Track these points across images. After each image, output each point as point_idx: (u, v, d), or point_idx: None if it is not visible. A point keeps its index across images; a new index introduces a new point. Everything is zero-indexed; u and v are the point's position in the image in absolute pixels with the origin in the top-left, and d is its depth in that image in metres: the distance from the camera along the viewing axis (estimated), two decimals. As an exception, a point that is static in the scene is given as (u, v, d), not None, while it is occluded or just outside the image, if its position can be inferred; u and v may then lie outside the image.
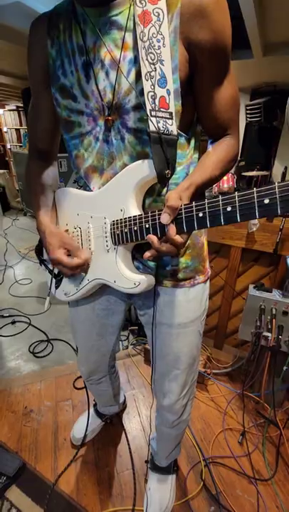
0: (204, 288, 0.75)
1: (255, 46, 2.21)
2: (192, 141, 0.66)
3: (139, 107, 0.54)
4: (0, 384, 1.56)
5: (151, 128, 0.52)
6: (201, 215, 0.47)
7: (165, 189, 0.61)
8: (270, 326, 1.24)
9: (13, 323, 2.11)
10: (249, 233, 1.42)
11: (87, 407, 1.15)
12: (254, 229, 1.38)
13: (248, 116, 3.16)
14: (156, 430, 1.04)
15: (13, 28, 1.94)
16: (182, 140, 0.61)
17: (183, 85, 0.55)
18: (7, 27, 1.96)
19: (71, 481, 1.13)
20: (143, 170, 0.56)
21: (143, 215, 0.56)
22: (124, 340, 1.91)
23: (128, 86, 0.54)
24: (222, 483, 1.12)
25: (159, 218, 0.52)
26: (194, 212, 0.47)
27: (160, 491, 1.05)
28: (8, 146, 5.75)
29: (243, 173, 2.98)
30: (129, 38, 0.53)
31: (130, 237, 0.59)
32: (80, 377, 1.48)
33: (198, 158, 0.67)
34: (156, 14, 0.50)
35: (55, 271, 0.80)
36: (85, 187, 0.70)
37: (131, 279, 0.62)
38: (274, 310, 1.24)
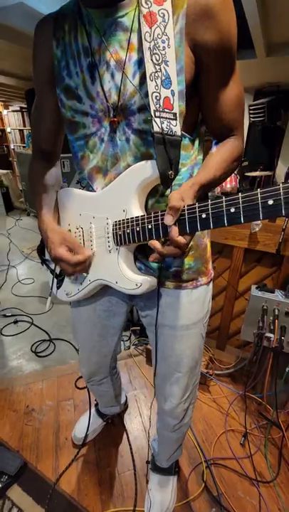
0: (207, 290, 0.75)
1: (259, 46, 2.21)
2: (196, 142, 0.65)
3: (144, 108, 0.54)
4: (2, 383, 1.57)
5: (155, 129, 0.52)
6: (204, 216, 0.46)
7: (168, 190, 0.61)
8: (272, 327, 1.23)
9: (16, 322, 2.12)
10: (252, 233, 1.41)
11: (89, 407, 1.15)
12: (257, 229, 1.37)
13: (252, 116, 3.15)
14: (157, 433, 1.04)
15: (16, 29, 1.95)
16: (186, 141, 0.61)
17: (188, 86, 0.55)
18: (10, 28, 1.96)
19: (72, 480, 1.13)
20: (146, 170, 0.56)
21: (146, 216, 0.56)
22: (126, 340, 1.91)
23: (133, 88, 0.54)
24: (224, 485, 1.12)
25: (161, 219, 0.52)
26: (197, 213, 0.47)
27: (161, 492, 1.05)
28: (12, 147, 5.78)
29: (246, 174, 2.97)
30: (134, 40, 0.53)
31: (132, 237, 0.59)
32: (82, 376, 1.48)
33: (203, 160, 0.67)
34: (162, 15, 0.50)
35: (57, 271, 0.80)
36: (88, 187, 0.70)
37: (133, 280, 0.62)
38: (276, 311, 1.23)
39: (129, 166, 0.60)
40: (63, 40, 0.60)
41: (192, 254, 0.69)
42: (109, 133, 0.60)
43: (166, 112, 0.53)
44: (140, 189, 0.59)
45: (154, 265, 0.67)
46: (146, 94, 0.52)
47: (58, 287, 0.80)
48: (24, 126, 5.57)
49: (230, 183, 1.86)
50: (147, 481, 1.11)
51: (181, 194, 0.52)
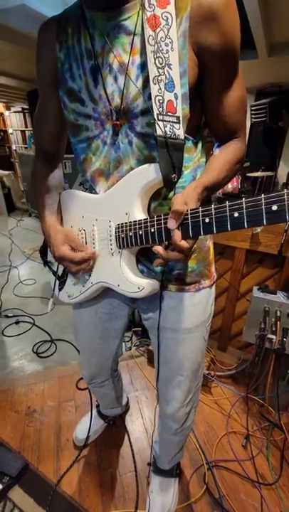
0: (210, 293, 0.75)
1: (260, 47, 2.20)
2: (199, 145, 0.66)
3: (147, 111, 0.54)
4: (3, 384, 1.57)
5: (158, 132, 0.52)
6: (207, 220, 0.46)
7: (172, 193, 0.61)
8: (274, 329, 1.23)
9: (17, 323, 2.12)
10: (253, 234, 1.41)
11: (90, 409, 1.15)
12: (258, 230, 1.37)
13: (253, 116, 3.14)
14: (158, 436, 1.04)
15: (18, 31, 1.95)
16: (189, 144, 0.61)
17: (191, 89, 0.55)
18: (12, 29, 1.97)
19: (73, 482, 1.13)
20: (149, 174, 0.56)
21: (148, 219, 0.56)
22: (128, 341, 1.91)
23: (136, 91, 0.54)
24: (225, 487, 1.12)
25: (164, 223, 0.52)
26: (200, 218, 0.47)
27: (162, 494, 1.05)
28: (14, 148, 5.79)
29: (248, 174, 2.96)
30: (137, 43, 0.53)
31: (135, 241, 0.59)
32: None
33: (206, 162, 0.67)
34: (165, 18, 0.50)
35: (59, 272, 0.80)
36: (91, 190, 0.70)
37: (135, 283, 0.62)
38: (278, 312, 1.23)
39: (131, 169, 0.60)
40: (66, 43, 0.60)
41: (195, 257, 0.69)
42: (111, 136, 0.60)
43: (170, 116, 0.53)
44: (143, 192, 0.59)
45: (157, 268, 0.67)
46: (150, 98, 0.52)
47: (60, 289, 0.80)
48: (26, 127, 5.58)
49: (231, 184, 1.85)
50: (148, 483, 1.11)
51: (185, 198, 0.52)
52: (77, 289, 0.75)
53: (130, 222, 0.59)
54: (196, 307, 0.72)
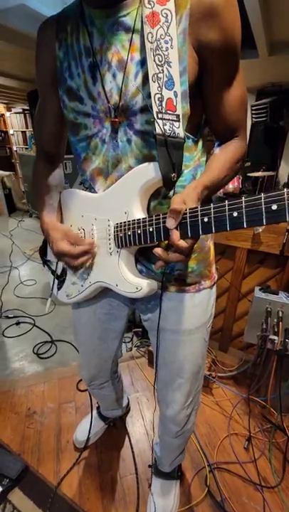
0: (210, 293, 0.74)
1: (261, 45, 2.19)
2: (200, 144, 0.65)
3: (146, 109, 0.54)
4: (4, 385, 1.56)
5: (158, 130, 0.51)
6: (206, 219, 0.45)
7: (171, 192, 0.60)
8: (276, 329, 1.22)
9: (18, 324, 2.12)
10: (255, 234, 1.40)
11: (90, 410, 1.14)
12: (260, 230, 1.36)
13: (254, 116, 3.13)
14: (159, 438, 1.02)
15: (18, 31, 1.95)
16: (189, 142, 0.60)
17: (191, 87, 0.54)
18: (11, 29, 1.96)
19: (74, 484, 1.12)
20: (148, 173, 0.55)
21: (147, 219, 0.55)
22: (128, 342, 1.90)
23: (135, 88, 0.54)
24: (227, 490, 1.10)
25: (163, 222, 0.51)
26: (199, 217, 0.46)
27: (164, 496, 1.04)
28: (15, 149, 5.80)
29: (249, 174, 2.95)
30: (136, 40, 0.52)
31: (134, 240, 0.58)
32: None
33: (206, 162, 0.66)
34: (165, 15, 0.49)
35: (58, 271, 0.79)
36: (91, 189, 0.70)
37: (133, 283, 0.61)
38: (280, 313, 1.22)
39: (130, 167, 0.59)
40: (65, 42, 0.60)
41: (195, 257, 0.68)
42: (110, 134, 0.60)
43: (169, 114, 0.52)
44: (142, 191, 0.58)
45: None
46: (149, 95, 0.52)
47: (59, 288, 0.79)
48: (26, 128, 5.59)
49: (232, 184, 1.84)
50: (149, 486, 1.10)
51: (184, 197, 0.51)
52: (75, 288, 0.75)
53: (129, 221, 0.59)
54: (196, 308, 0.71)
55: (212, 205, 0.44)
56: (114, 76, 0.55)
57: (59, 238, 0.67)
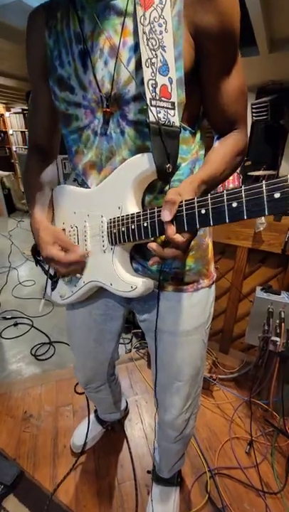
0: (209, 293, 0.70)
1: (261, 42, 2.16)
2: (198, 136, 0.62)
3: (140, 97, 0.51)
4: (1, 387, 1.53)
5: (151, 118, 0.48)
6: (203, 211, 0.42)
7: (168, 186, 0.57)
8: (278, 331, 1.18)
9: (16, 325, 2.10)
10: (256, 233, 1.36)
11: (88, 414, 1.11)
12: (261, 228, 1.32)
13: (254, 115, 3.10)
14: (157, 443, 0.99)
15: (15, 28, 1.92)
16: (186, 134, 0.58)
17: (188, 74, 0.51)
18: (9, 26, 1.94)
19: (70, 490, 1.08)
20: (141, 164, 0.52)
21: (141, 213, 0.52)
22: (128, 343, 1.86)
23: (128, 75, 0.51)
24: (228, 496, 1.07)
25: (158, 216, 0.48)
26: (196, 209, 0.43)
27: (163, 503, 1.00)
28: (14, 149, 5.78)
29: (249, 173, 2.92)
30: (129, 24, 0.49)
31: (128, 236, 0.55)
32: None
33: (204, 156, 0.63)
34: None
35: (51, 271, 0.76)
36: (83, 184, 0.67)
37: (128, 281, 0.58)
38: (283, 313, 1.18)
39: (124, 160, 0.56)
40: (55, 29, 0.57)
41: (193, 255, 0.65)
42: (102, 125, 0.57)
43: (164, 101, 0.49)
44: (136, 184, 0.55)
45: (153, 267, 0.63)
46: (142, 82, 0.49)
47: (53, 289, 0.76)
48: (26, 128, 5.57)
49: (232, 183, 1.81)
50: (148, 492, 1.07)
51: (179, 190, 0.48)
52: (69, 289, 0.71)
53: (122, 216, 0.56)
54: (194, 308, 0.68)
55: (209, 196, 0.41)
56: (105, 63, 0.53)
57: (49, 242, 0.64)
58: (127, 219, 0.54)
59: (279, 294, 1.22)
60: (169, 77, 0.49)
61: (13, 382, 1.58)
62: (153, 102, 0.49)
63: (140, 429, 1.31)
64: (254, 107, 3.07)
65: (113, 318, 0.78)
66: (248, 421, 1.31)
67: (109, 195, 0.59)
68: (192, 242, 0.63)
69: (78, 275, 0.68)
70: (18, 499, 1.05)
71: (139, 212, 0.52)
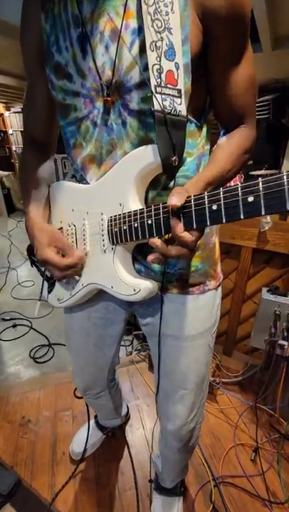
0: (215, 295, 0.66)
1: (265, 39, 2.11)
2: (204, 130, 0.58)
3: (143, 84, 0.47)
4: (-2, 391, 1.49)
5: (156, 106, 0.44)
6: (214, 207, 0.38)
7: (172, 182, 0.53)
8: (286, 334, 1.14)
9: (14, 326, 2.06)
10: (261, 232, 1.32)
11: (87, 420, 1.07)
12: (266, 228, 1.28)
13: (256, 113, 3.06)
14: (159, 452, 0.95)
15: (14, 24, 1.88)
16: (192, 127, 0.54)
17: (194, 60, 0.47)
18: (7, 23, 1.90)
19: (69, 500, 1.04)
20: (145, 156, 0.48)
21: (145, 210, 0.48)
22: (128, 345, 1.82)
23: (130, 60, 0.47)
24: (233, 507, 1.03)
25: (164, 213, 0.44)
26: (206, 205, 0.39)
27: (165, 514, 0.96)
28: (14, 149, 5.73)
29: (251, 173, 2.87)
30: (132, 4, 0.45)
31: (130, 235, 0.51)
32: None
33: (210, 150, 0.59)
34: None
35: (48, 273, 0.72)
36: (82, 180, 0.63)
37: (130, 284, 0.54)
38: (290, 316, 1.14)
39: (126, 154, 0.52)
40: (52, 12, 0.53)
41: (199, 255, 0.61)
42: (102, 115, 0.53)
43: (170, 88, 0.45)
44: (139, 179, 0.51)
45: (157, 267, 0.59)
46: (146, 67, 0.45)
47: (49, 291, 0.72)
48: (26, 125, 5.52)
49: (234, 182, 1.77)
50: (150, 502, 1.03)
51: (185, 188, 0.44)
52: (67, 291, 0.67)
53: (124, 213, 0.51)
54: (200, 311, 0.64)
55: (221, 190, 0.37)
56: (106, 48, 0.49)
57: (45, 243, 0.61)
58: (129, 216, 0.50)
59: (286, 296, 1.18)
60: (176, 62, 0.45)
61: (11, 386, 1.54)
62: (158, 89, 0.45)
63: (141, 435, 1.27)
64: (256, 105, 3.03)
65: (114, 322, 0.74)
66: (253, 426, 1.27)
67: (110, 191, 0.55)
68: (198, 241, 0.59)
69: (77, 277, 0.64)
70: (15, 509, 1.01)
71: (143, 209, 0.48)
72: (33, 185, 0.68)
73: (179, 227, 0.41)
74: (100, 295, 0.67)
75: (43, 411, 1.38)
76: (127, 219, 0.51)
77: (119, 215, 0.52)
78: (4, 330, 2.01)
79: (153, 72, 0.44)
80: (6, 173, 4.92)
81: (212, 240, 0.64)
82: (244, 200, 0.35)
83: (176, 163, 0.46)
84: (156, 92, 0.45)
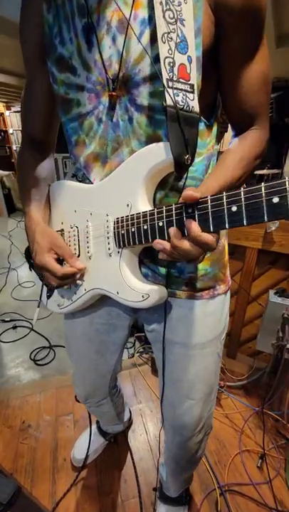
0: (224, 300, 0.63)
1: (269, 36, 2.06)
2: (214, 129, 0.55)
3: (153, 78, 0.44)
4: (-2, 395, 1.46)
5: (168, 102, 0.41)
6: (234, 208, 0.35)
7: (181, 182, 0.50)
8: (293, 338, 1.11)
9: (15, 328, 2.03)
10: (267, 233, 1.29)
11: (89, 426, 1.04)
12: (273, 228, 1.25)
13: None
14: (164, 462, 0.91)
15: (15, 22, 1.85)
16: (202, 126, 0.51)
17: (205, 54, 0.44)
18: (8, 21, 1.87)
19: (70, 508, 1.01)
20: (157, 154, 0.45)
21: (155, 211, 0.44)
22: (130, 347, 1.79)
23: (139, 52, 0.44)
24: (240, 516, 1.00)
25: (176, 214, 0.41)
26: (225, 206, 0.36)
27: (170, 525, 0.93)
28: (14, 148, 5.71)
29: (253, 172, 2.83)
30: None
31: (138, 238, 0.48)
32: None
33: (218, 151, 0.57)
34: None
35: None
36: (85, 180, 0.59)
37: (138, 290, 0.50)
38: (298, 319, 1.11)
39: (133, 151, 0.49)
40: (55, 2, 0.50)
41: (209, 258, 0.58)
42: (107, 111, 0.50)
43: (182, 83, 0.43)
44: (149, 178, 0.47)
45: (163, 271, 0.56)
46: (156, 60, 0.42)
47: (49, 296, 0.69)
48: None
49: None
50: (154, 510, 1.00)
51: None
52: (68, 297, 0.64)
53: (132, 215, 0.48)
54: (209, 317, 0.61)
55: (242, 190, 0.34)
56: (113, 40, 0.46)
57: (45, 248, 0.58)
58: (138, 218, 0.47)
59: (294, 299, 1.15)
60: (188, 56, 0.42)
61: (11, 389, 1.51)
62: (170, 84, 0.42)
63: (145, 441, 1.24)
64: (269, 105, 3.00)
65: (117, 327, 0.71)
66: (259, 432, 1.24)
67: (116, 191, 0.52)
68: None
69: (79, 282, 0.61)
70: (15, 518, 0.98)
71: (153, 210, 0.45)
72: (32, 185, 0.65)
73: (196, 228, 0.38)
74: (102, 300, 0.64)
75: (44, 415, 1.35)
76: (135, 221, 0.48)
77: (127, 216, 0.49)
78: (4, 331, 1.98)
79: (165, 65, 0.41)
80: (7, 172, 4.89)
81: (221, 243, 0.61)
82: (268, 201, 0.32)
83: (189, 161, 0.43)
84: (168, 87, 0.42)
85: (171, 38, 0.41)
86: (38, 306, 0.68)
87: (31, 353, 1.77)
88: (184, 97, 0.43)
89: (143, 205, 0.48)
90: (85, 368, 0.79)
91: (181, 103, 0.42)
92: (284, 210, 0.31)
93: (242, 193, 0.34)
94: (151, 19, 0.42)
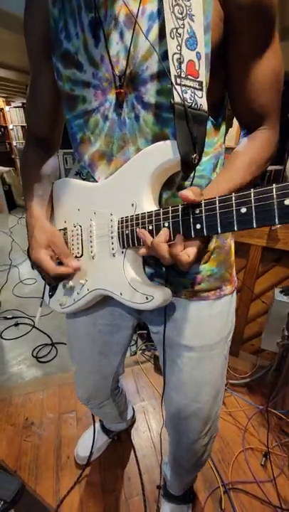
0: (231, 301, 0.62)
1: (274, 29, 2.03)
2: (222, 128, 0.54)
3: (161, 75, 0.43)
4: (1, 392, 1.46)
5: (176, 99, 0.40)
6: (244, 210, 0.33)
7: (188, 182, 0.48)
8: (298, 337, 1.10)
9: (17, 325, 2.03)
10: (271, 230, 1.27)
11: (93, 422, 1.04)
12: (278, 226, 1.23)
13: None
14: (168, 463, 0.91)
15: (17, 16, 1.81)
16: (209, 125, 0.49)
17: (214, 50, 0.43)
18: (10, 15, 1.83)
19: (74, 506, 1.02)
20: (164, 152, 0.43)
21: (161, 211, 0.43)
22: (132, 345, 1.79)
23: (146, 48, 0.42)
24: (244, 513, 1.00)
25: (183, 215, 0.40)
26: (234, 207, 0.34)
27: (174, 523, 0.93)
28: (14, 144, 5.67)
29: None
30: None
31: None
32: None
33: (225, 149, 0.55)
34: None
35: None
36: (89, 178, 0.58)
37: (142, 291, 0.49)
38: (303, 318, 1.10)
39: (139, 150, 0.48)
40: None
41: (215, 258, 0.56)
42: (114, 108, 0.48)
43: (191, 80, 0.41)
44: (155, 177, 0.46)
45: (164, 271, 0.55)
46: (165, 56, 0.40)
47: (51, 295, 0.68)
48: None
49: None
50: (158, 508, 1.00)
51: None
52: (70, 296, 0.63)
53: (137, 215, 0.47)
54: (215, 319, 0.60)
55: (252, 191, 0.33)
56: (121, 35, 0.44)
57: (42, 244, 0.57)
58: (143, 218, 0.46)
59: (299, 297, 1.14)
60: (197, 52, 0.41)
61: (14, 387, 1.51)
62: (178, 80, 0.40)
63: (148, 438, 1.24)
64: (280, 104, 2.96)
65: (121, 328, 0.70)
66: (262, 430, 1.24)
67: (121, 190, 0.50)
68: (214, 244, 0.55)
69: (82, 281, 0.60)
70: (20, 515, 0.99)
71: (158, 210, 0.43)
72: (35, 180, 0.64)
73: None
74: (105, 300, 0.63)
75: (47, 413, 1.35)
76: (140, 221, 0.46)
77: (132, 216, 0.48)
78: (6, 328, 1.98)
79: (173, 61, 0.40)
80: (7, 168, 4.87)
81: (227, 243, 0.59)
82: (280, 203, 0.30)
83: (196, 161, 0.42)
84: (176, 84, 0.40)
85: (180, 34, 0.40)
86: (41, 306, 0.67)
87: (33, 350, 1.78)
88: (193, 94, 0.41)
89: (148, 204, 0.47)
90: (88, 369, 0.78)
91: (189, 100, 0.41)
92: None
93: (252, 194, 0.32)
94: (159, 14, 0.41)
